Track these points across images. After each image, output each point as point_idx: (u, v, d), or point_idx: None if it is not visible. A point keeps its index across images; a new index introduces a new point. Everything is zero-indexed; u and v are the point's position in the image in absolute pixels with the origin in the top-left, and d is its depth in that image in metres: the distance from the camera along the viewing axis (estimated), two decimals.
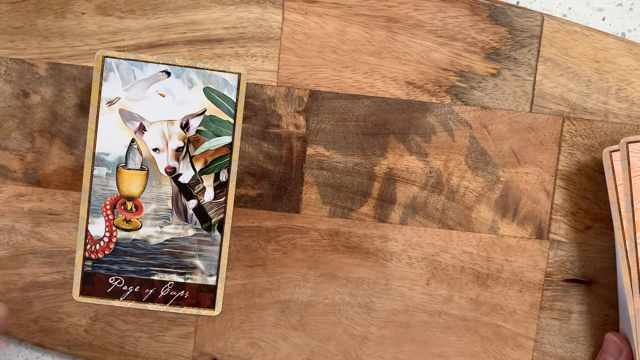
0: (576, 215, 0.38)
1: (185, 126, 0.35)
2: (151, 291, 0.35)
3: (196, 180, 0.35)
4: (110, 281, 0.35)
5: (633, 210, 0.34)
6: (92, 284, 0.35)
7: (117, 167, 0.35)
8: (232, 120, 0.35)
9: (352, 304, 0.38)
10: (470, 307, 0.38)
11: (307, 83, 0.37)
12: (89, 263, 0.35)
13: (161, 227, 0.35)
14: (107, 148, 0.35)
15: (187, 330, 0.38)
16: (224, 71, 0.35)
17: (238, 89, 0.35)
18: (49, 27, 0.37)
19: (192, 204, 0.35)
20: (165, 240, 0.35)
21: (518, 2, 0.39)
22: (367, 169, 0.38)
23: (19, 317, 0.38)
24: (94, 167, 0.35)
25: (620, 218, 0.34)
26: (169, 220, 0.35)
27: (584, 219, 0.38)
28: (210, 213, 0.35)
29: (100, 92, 0.34)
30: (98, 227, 0.35)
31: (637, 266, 0.34)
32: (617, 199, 0.34)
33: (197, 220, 0.35)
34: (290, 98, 0.37)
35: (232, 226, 0.36)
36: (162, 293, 0.35)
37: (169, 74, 0.35)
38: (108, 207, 0.35)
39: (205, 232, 0.35)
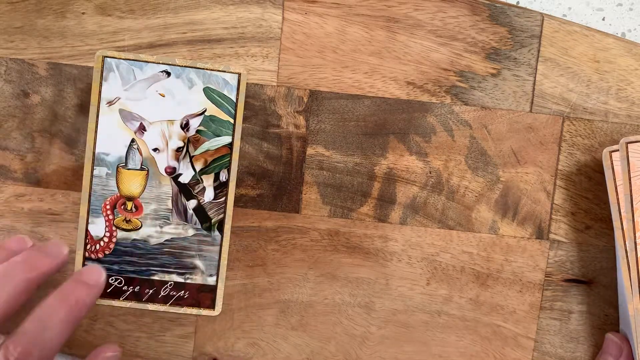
0: (576, 215, 0.38)
1: (185, 126, 0.35)
2: (151, 291, 0.35)
3: (196, 180, 0.35)
4: (110, 281, 0.35)
5: (633, 210, 0.34)
6: None
7: (117, 167, 0.35)
8: (232, 120, 0.35)
9: (352, 304, 0.38)
10: (470, 307, 0.38)
11: (307, 83, 0.37)
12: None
13: (161, 227, 0.35)
14: (107, 148, 0.35)
15: (187, 330, 0.38)
16: (224, 71, 0.35)
17: (238, 89, 0.35)
18: (49, 27, 0.37)
19: (192, 204, 0.35)
20: (165, 241, 0.35)
21: (518, 2, 0.39)
22: (367, 169, 0.38)
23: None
24: (94, 167, 0.35)
25: (620, 218, 0.34)
26: (169, 220, 0.35)
27: (584, 219, 0.38)
28: (210, 213, 0.35)
29: (100, 92, 0.34)
30: (98, 227, 0.35)
31: (637, 266, 0.34)
32: (617, 199, 0.34)
33: (197, 220, 0.35)
34: (290, 98, 0.37)
35: (232, 226, 0.36)
36: (162, 293, 0.35)
37: (169, 74, 0.35)
38: (108, 207, 0.35)
39: (205, 232, 0.35)
